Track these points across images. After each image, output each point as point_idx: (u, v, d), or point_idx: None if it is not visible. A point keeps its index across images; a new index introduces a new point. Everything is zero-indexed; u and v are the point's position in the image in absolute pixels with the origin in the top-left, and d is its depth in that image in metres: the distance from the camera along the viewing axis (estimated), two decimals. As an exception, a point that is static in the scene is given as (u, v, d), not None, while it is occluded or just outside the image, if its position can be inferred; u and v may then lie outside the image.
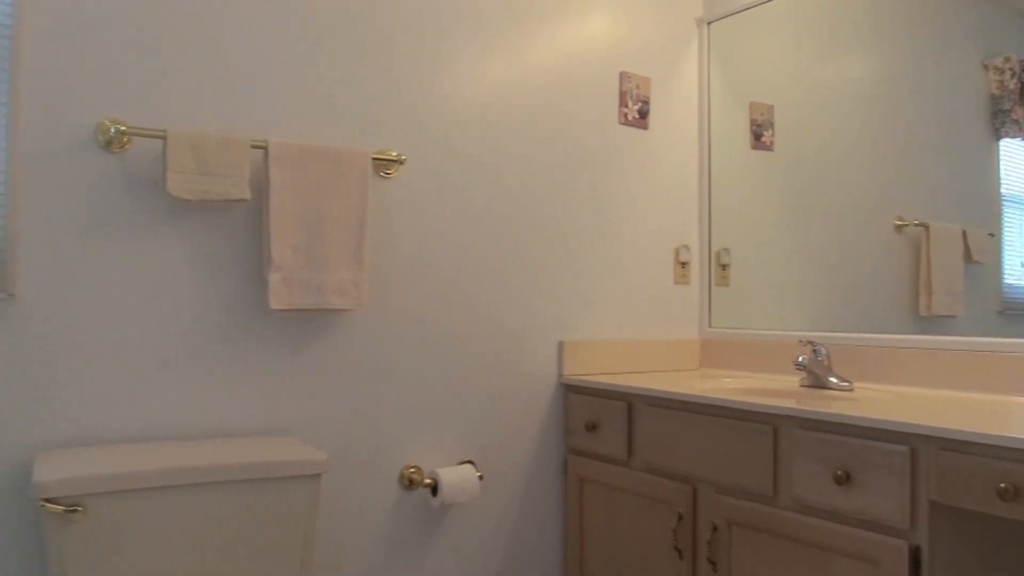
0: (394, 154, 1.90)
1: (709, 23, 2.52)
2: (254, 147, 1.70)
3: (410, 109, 1.97)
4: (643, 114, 2.40)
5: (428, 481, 1.93)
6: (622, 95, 2.37)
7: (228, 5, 1.76)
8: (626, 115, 2.37)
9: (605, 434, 2.05)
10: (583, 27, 2.28)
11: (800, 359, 1.97)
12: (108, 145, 1.64)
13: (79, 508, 1.42)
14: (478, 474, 1.96)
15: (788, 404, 1.65)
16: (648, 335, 2.39)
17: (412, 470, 1.95)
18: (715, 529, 1.75)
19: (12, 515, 1.56)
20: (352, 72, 1.90)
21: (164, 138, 1.62)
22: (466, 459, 2.04)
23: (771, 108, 2.34)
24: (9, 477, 1.56)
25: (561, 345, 2.19)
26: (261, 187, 1.75)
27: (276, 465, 1.56)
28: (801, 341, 2.01)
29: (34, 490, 1.40)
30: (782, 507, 1.64)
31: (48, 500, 1.40)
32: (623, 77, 2.36)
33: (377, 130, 1.92)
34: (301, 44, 1.84)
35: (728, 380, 2.16)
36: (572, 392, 2.17)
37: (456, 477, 1.92)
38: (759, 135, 2.37)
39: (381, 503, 1.93)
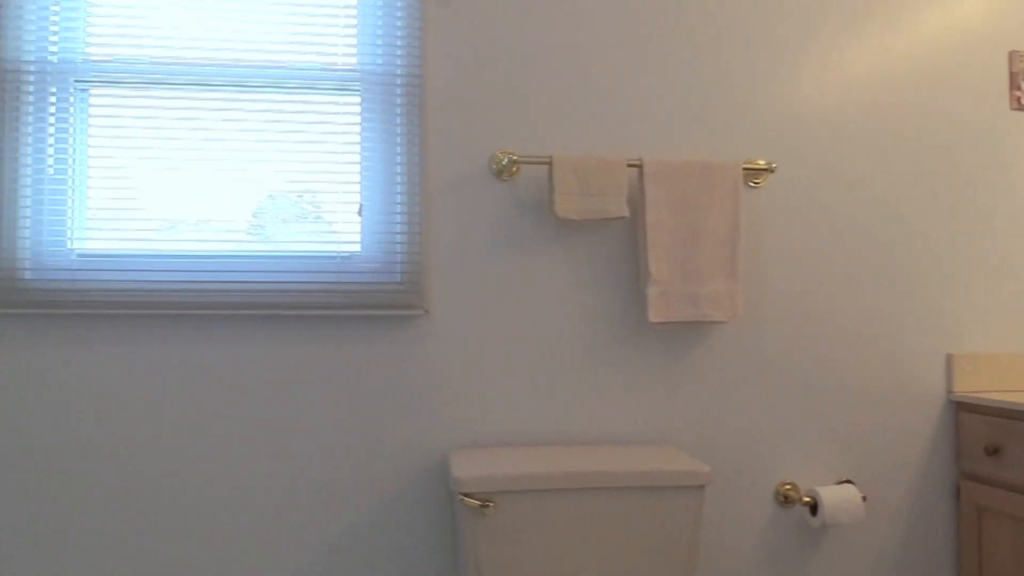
0: (762, 163, 1.87)
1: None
2: (630, 166, 1.76)
3: (772, 115, 1.92)
4: (1041, 95, 2.11)
5: (807, 499, 1.85)
6: (1013, 77, 2.10)
7: (593, 39, 1.85)
8: (1020, 99, 2.10)
9: (1012, 459, 1.81)
10: (958, 5, 2.06)
11: None
12: (500, 174, 1.81)
13: (491, 503, 1.57)
14: (861, 495, 1.84)
15: None
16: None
17: (788, 487, 1.89)
18: None
19: (431, 502, 1.77)
20: (714, 83, 1.90)
21: (550, 164, 1.75)
22: (844, 479, 1.93)
23: None
24: (429, 471, 1.78)
25: (950, 358, 1.98)
26: (636, 204, 1.82)
27: (663, 474, 1.60)
28: None
29: (454, 485, 1.57)
30: None
31: (465, 495, 1.57)
32: (1014, 57, 2.09)
33: (743, 139, 1.90)
34: (665, 64, 1.88)
35: None
36: (965, 411, 1.96)
37: (838, 497, 1.82)
38: None
39: (756, 518, 1.89)
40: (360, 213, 1.77)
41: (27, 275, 1.71)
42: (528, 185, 1.82)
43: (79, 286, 1.70)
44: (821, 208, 1.94)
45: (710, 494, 1.87)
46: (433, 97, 1.81)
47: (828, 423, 1.93)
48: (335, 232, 1.78)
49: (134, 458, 1.72)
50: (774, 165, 1.87)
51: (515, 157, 1.77)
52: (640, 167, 1.77)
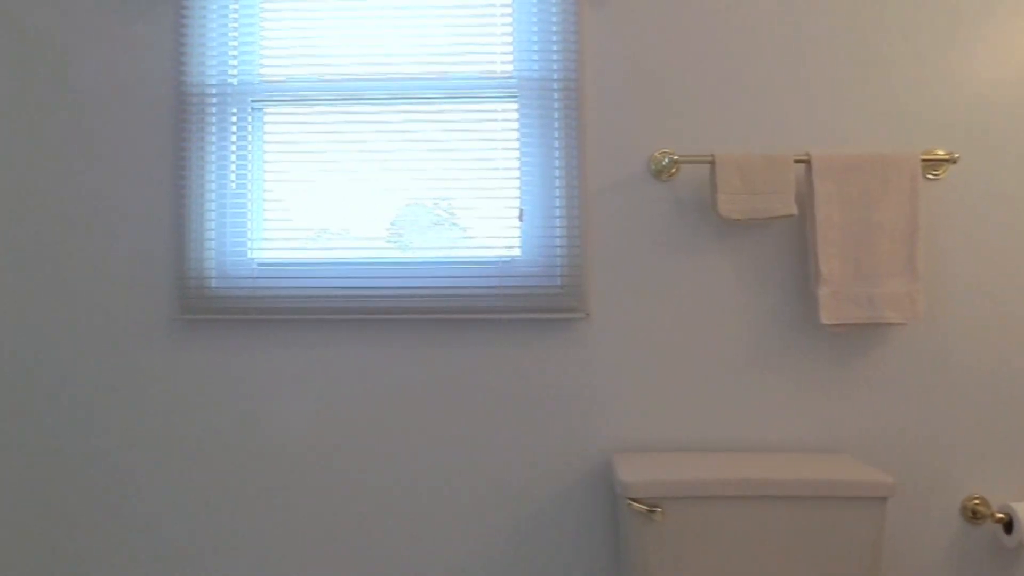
0: (942, 153, 1.75)
1: None
2: (797, 162, 1.69)
3: (951, 101, 1.79)
4: None
5: (1000, 516, 1.71)
6: None
7: (752, 32, 1.79)
8: None
9: None
10: None
11: None
12: (659, 174, 1.78)
13: (659, 509, 1.54)
14: (1063, 513, 1.68)
15: None
16: None
17: (976, 501, 1.75)
18: None
19: (593, 506, 1.76)
20: (883, 68, 1.79)
21: (712, 162, 1.70)
22: (1041, 494, 1.77)
23: None
24: (591, 475, 1.76)
25: None
26: (804, 201, 1.75)
27: (843, 484, 1.52)
28: None
29: (621, 489, 1.55)
30: None
31: (633, 499, 1.55)
32: None
33: (920, 128, 1.79)
34: (829, 51, 1.79)
35: None
36: None
37: (1037, 514, 1.67)
38: None
39: (940, 536, 1.76)
40: (520, 218, 1.78)
41: (213, 284, 1.82)
42: (688, 185, 1.79)
43: (259, 293, 1.80)
44: (1009, 200, 1.79)
45: (888, 508, 1.76)
46: (590, 99, 1.80)
47: (1020, 432, 1.77)
48: (495, 237, 1.81)
49: (307, 457, 1.81)
50: (956, 155, 1.74)
51: (675, 157, 1.73)
52: (808, 162, 1.70)
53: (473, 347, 1.79)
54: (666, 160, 1.76)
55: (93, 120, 1.87)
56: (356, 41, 1.86)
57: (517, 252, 1.80)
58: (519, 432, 1.78)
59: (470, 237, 1.81)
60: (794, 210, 1.67)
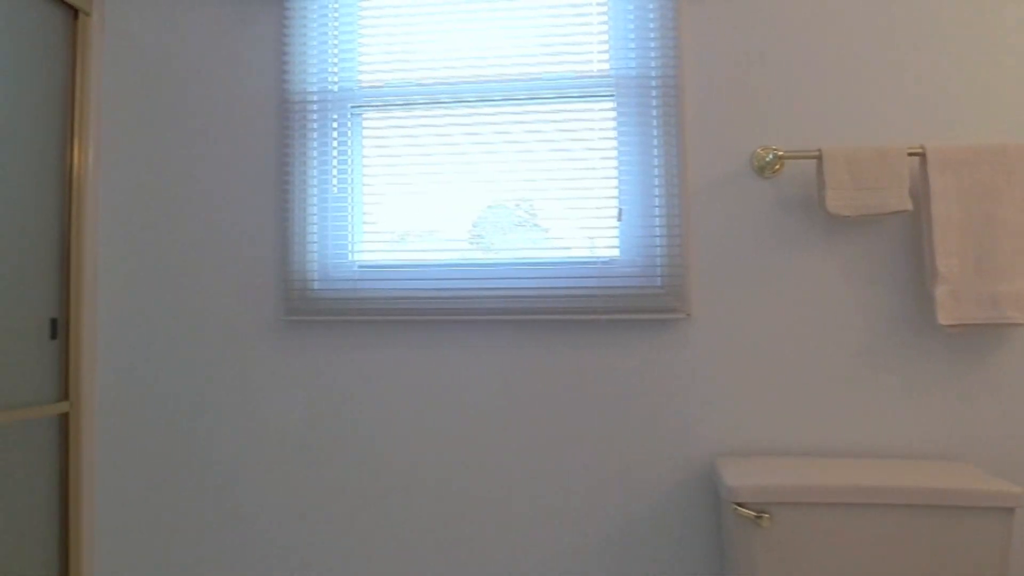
0: (1071, 143, 1.64)
1: None
2: (911, 155, 1.62)
3: (1084, 89, 1.69)
4: None
5: None
6: None
7: (858, 18, 1.72)
8: None
9: None
10: None
11: None
12: (762, 171, 1.73)
13: (767, 514, 1.49)
14: None
15: None
16: None
17: (1112, 513, 1.64)
18: None
19: (695, 510, 1.73)
20: (1005, 56, 1.70)
21: (819, 157, 1.65)
22: None
23: None
24: (693, 478, 1.73)
25: None
26: (919, 196, 1.67)
27: (966, 493, 1.44)
28: None
29: (727, 493, 1.52)
30: None
31: (739, 504, 1.51)
32: None
33: (1044, 118, 1.69)
34: (943, 38, 1.71)
35: None
36: None
37: None
38: None
39: (1071, 548, 1.66)
40: (619, 218, 1.76)
41: (315, 285, 1.87)
42: (793, 181, 1.73)
43: (360, 295, 1.84)
44: None
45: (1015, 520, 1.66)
46: (689, 96, 1.77)
47: None
48: (594, 237, 1.79)
49: (405, 455, 1.83)
50: (1087, 145, 1.64)
51: (779, 152, 1.68)
52: (923, 155, 1.62)
53: (572, 348, 1.78)
54: (770, 156, 1.71)
55: (207, 133, 1.94)
56: (451, 44, 1.87)
57: (615, 252, 1.78)
58: (618, 435, 1.76)
59: (567, 238, 1.80)
60: (909, 206, 1.60)
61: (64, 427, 1.92)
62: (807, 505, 1.49)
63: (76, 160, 1.95)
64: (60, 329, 1.92)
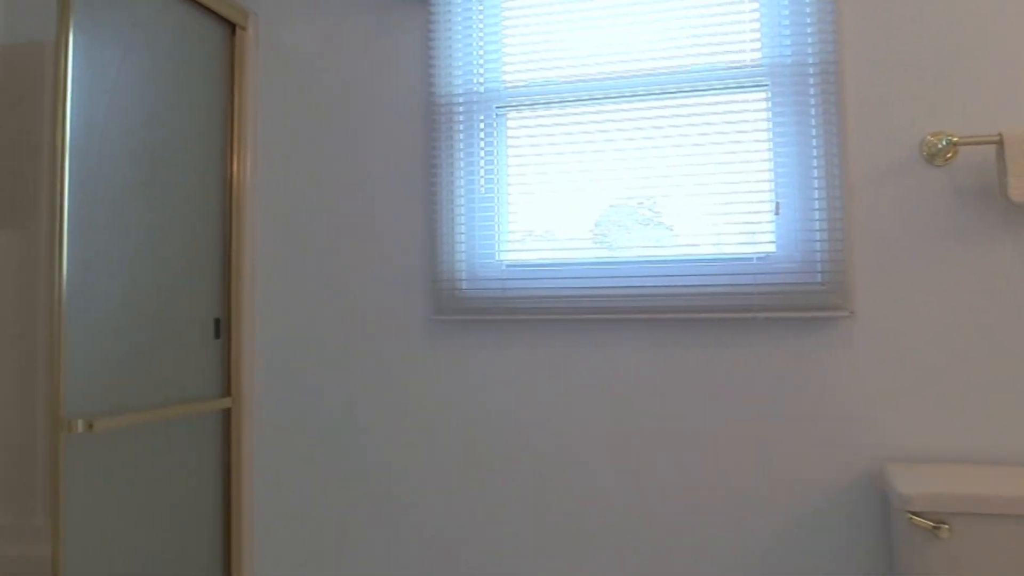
0: None
1: None
2: (1108, 137, 1.49)
3: None
4: None
5: None
6: None
7: (1055, -14, 1.59)
8: None
9: None
10: None
11: None
12: (933, 159, 1.63)
13: (946, 525, 1.40)
14: None
15: None
16: None
17: None
18: None
19: (861, 516, 1.64)
20: None
21: (999, 143, 1.53)
22: None
23: None
24: (858, 484, 1.65)
25: None
26: (1116, 181, 1.53)
27: None
28: None
29: (900, 502, 1.43)
30: None
31: (914, 513, 1.42)
32: None
33: None
34: None
35: None
36: None
37: None
38: None
39: None
40: (777, 212, 1.70)
41: (463, 285, 1.89)
42: (967, 169, 1.62)
43: (508, 294, 1.85)
44: None
45: None
46: (850, 83, 1.68)
47: None
48: (750, 233, 1.73)
49: (554, 453, 1.83)
50: None
51: (954, 139, 1.57)
52: (1123, 137, 1.48)
53: (728, 347, 1.73)
54: (943, 142, 1.60)
55: (358, 138, 2.00)
56: (595, 40, 1.85)
57: (772, 248, 1.71)
58: (776, 437, 1.70)
59: (722, 234, 1.75)
60: (1106, 192, 1.47)
61: (227, 422, 2.03)
62: (987, 516, 1.39)
63: (236, 169, 2.05)
64: (223, 329, 2.02)
